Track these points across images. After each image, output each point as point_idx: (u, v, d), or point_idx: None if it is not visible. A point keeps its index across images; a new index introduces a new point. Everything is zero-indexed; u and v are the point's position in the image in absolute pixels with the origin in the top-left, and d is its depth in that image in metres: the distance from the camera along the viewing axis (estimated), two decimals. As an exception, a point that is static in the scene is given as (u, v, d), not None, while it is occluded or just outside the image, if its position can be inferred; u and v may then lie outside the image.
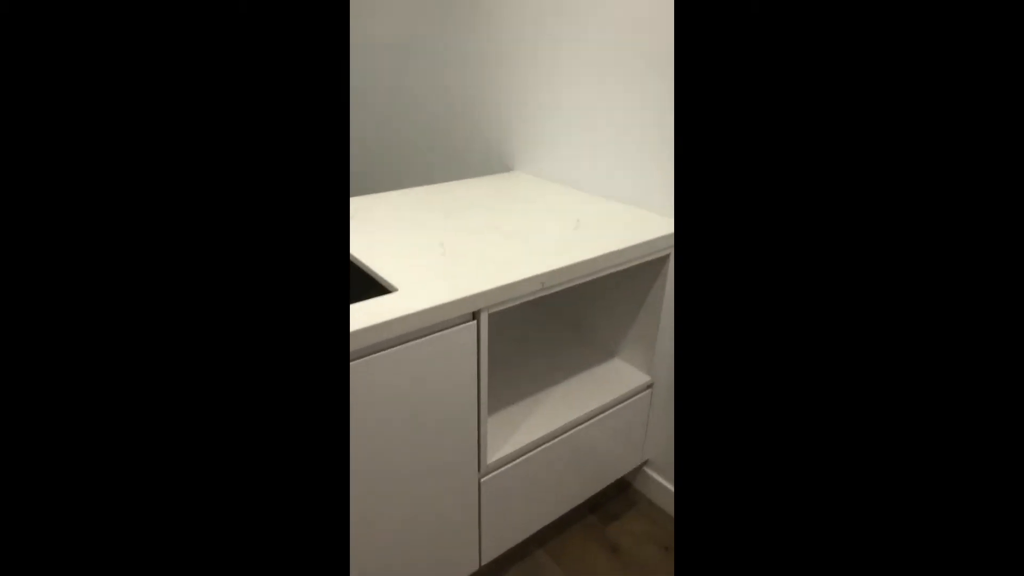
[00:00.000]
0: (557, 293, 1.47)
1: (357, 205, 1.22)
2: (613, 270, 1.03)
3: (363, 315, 0.77)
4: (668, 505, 1.34)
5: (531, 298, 0.93)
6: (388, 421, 0.84)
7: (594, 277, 1.01)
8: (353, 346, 0.74)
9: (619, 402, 1.21)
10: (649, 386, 1.27)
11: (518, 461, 1.06)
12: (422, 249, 0.99)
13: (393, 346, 0.80)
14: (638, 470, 1.39)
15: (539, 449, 1.09)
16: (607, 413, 1.19)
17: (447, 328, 0.85)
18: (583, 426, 1.16)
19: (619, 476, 1.32)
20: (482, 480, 1.02)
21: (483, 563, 1.11)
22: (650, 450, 1.35)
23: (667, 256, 1.14)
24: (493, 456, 1.02)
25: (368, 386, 0.80)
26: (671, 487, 1.33)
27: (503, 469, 1.04)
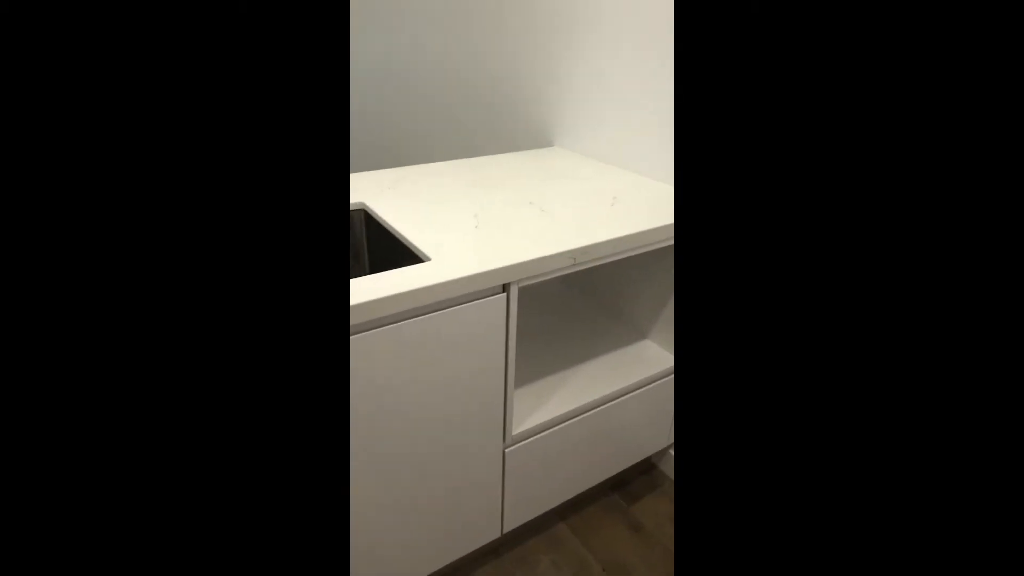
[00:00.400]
0: (591, 270, 1.46)
1: (395, 175, 1.23)
2: (647, 249, 1.02)
3: (395, 282, 0.78)
4: (693, 489, 1.34)
5: (562, 273, 0.93)
6: (416, 387, 0.86)
7: (628, 255, 1.00)
8: (383, 312, 0.76)
9: (647, 383, 1.21)
10: (680, 369, 1.26)
11: (543, 434, 1.08)
12: (457, 221, 1.00)
13: (423, 314, 0.82)
14: (664, 452, 1.39)
15: (565, 424, 1.10)
16: (635, 393, 1.19)
17: (477, 299, 0.86)
18: (609, 404, 1.16)
19: (644, 457, 1.32)
20: (507, 450, 1.04)
21: (505, 531, 1.14)
22: (677, 433, 1.34)
23: (705, 237, 1.12)
24: (518, 428, 1.04)
25: (398, 352, 0.82)
26: (697, 471, 1.32)
27: (528, 441, 1.06)
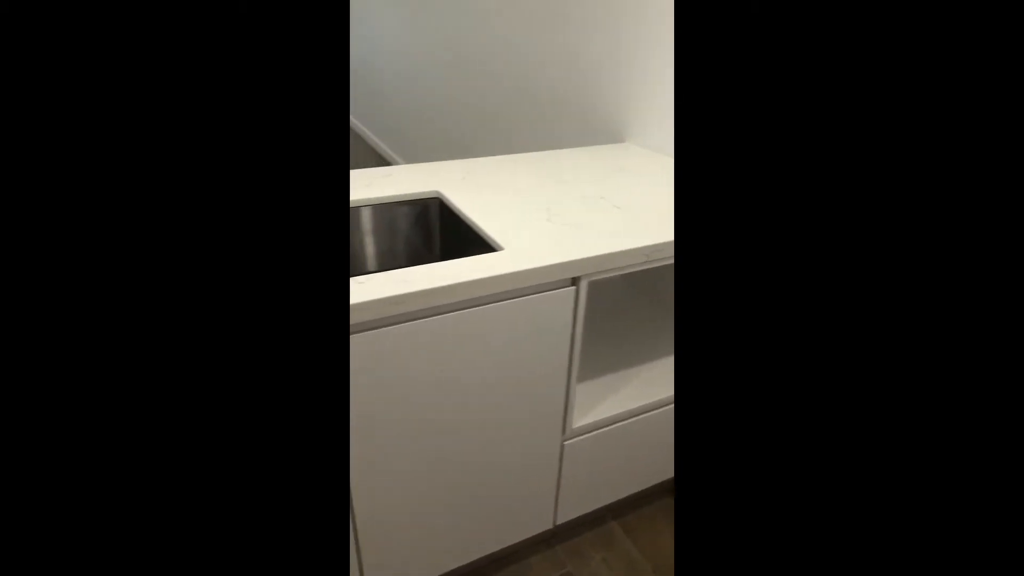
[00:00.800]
0: (662, 269, 1.44)
1: (469, 166, 1.26)
2: (722, 250, 0.99)
3: (469, 269, 0.80)
4: (752, 500, 1.30)
5: (634, 270, 0.92)
6: (481, 373, 0.88)
7: (700, 255, 0.98)
8: (454, 298, 0.78)
9: (712, 387, 1.18)
10: (746, 375, 1.22)
11: (602, 430, 1.07)
12: (529, 213, 1.01)
13: (493, 302, 0.83)
14: (724, 460, 1.36)
15: (625, 422, 1.09)
16: (698, 397, 1.17)
17: (546, 291, 0.87)
18: (670, 407, 1.14)
19: (703, 462, 1.29)
20: (565, 443, 1.04)
21: (557, 523, 1.14)
22: (739, 441, 1.30)
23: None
24: (579, 422, 1.04)
25: (466, 338, 0.84)
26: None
27: (587, 436, 1.06)
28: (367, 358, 0.78)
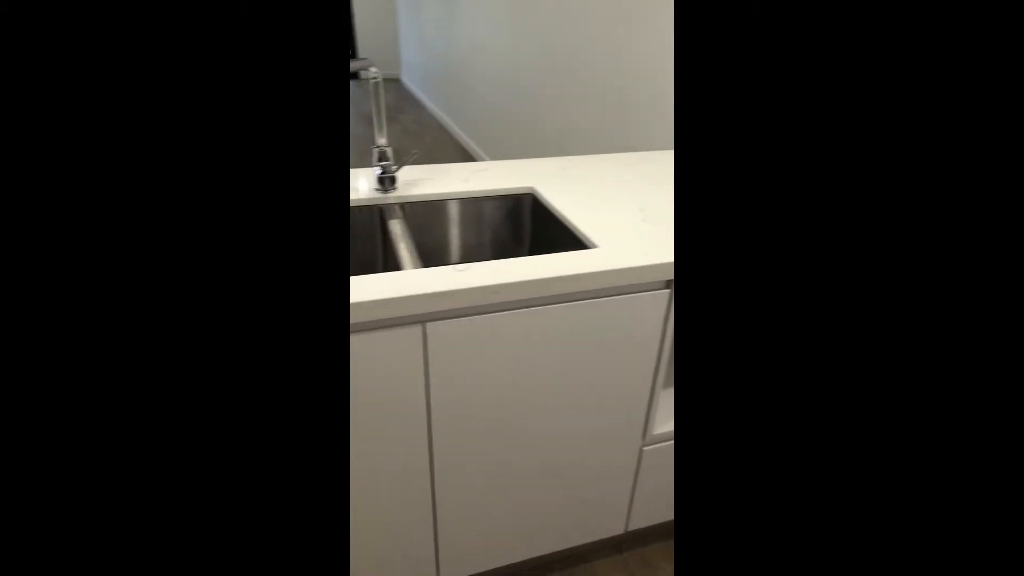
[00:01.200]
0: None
1: (563, 163, 1.26)
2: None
3: (564, 265, 0.81)
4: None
5: (730, 277, 0.89)
6: (567, 369, 0.88)
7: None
8: (550, 292, 0.79)
9: (804, 406, 1.12)
10: (842, 397, 1.15)
11: (683, 439, 1.05)
12: (624, 212, 1.00)
13: (585, 299, 0.83)
14: (810, 484, 1.29)
15: (707, 433, 1.06)
16: (788, 414, 1.11)
17: (641, 291, 0.86)
18: (759, 422, 1.09)
19: (787, 484, 1.23)
20: (644, 448, 1.03)
21: (628, 528, 1.13)
22: (829, 466, 1.23)
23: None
24: (660, 428, 1.02)
25: (555, 333, 0.84)
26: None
27: (667, 443, 1.04)
28: (458, 346, 0.80)
